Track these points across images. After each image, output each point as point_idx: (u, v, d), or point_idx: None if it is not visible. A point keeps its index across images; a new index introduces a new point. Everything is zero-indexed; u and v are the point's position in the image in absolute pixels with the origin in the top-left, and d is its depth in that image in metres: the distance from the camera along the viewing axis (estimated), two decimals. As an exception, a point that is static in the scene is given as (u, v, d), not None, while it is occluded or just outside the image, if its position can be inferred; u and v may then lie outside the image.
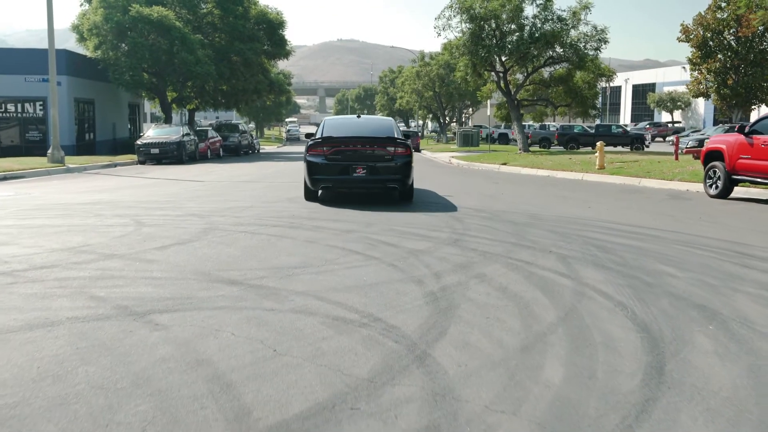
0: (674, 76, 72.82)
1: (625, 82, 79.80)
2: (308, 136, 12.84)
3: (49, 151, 22.31)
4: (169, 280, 5.73)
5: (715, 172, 13.76)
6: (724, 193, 13.57)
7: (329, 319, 4.65)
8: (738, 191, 14.02)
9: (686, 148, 27.18)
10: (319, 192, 12.40)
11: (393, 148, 11.91)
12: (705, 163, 14.22)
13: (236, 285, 5.59)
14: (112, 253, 6.86)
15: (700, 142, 31.65)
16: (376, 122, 14.04)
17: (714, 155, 13.88)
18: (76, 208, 10.76)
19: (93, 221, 9.17)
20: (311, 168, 11.88)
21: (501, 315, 4.86)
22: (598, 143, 21.05)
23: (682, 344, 4.26)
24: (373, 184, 12.10)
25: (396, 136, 12.39)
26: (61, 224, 8.91)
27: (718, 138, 14.44)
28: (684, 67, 71.37)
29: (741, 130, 13.12)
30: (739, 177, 13.28)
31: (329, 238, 7.92)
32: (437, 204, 11.89)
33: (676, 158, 22.68)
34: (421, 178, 19.19)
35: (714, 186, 13.77)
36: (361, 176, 11.70)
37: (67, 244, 7.41)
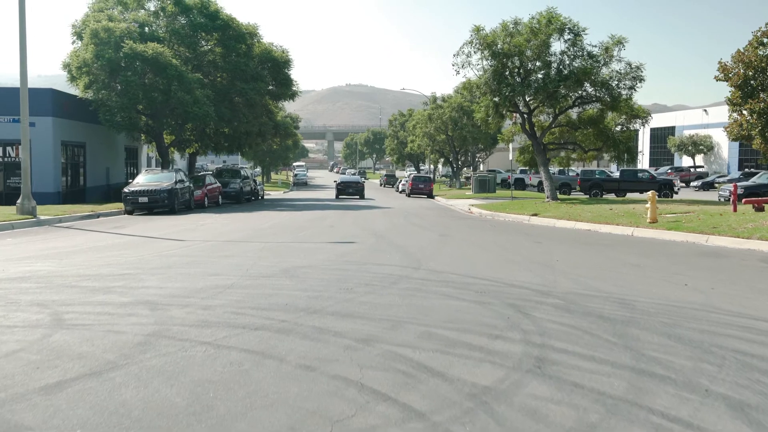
0: (694, 119, 70.28)
1: (643, 125, 77.18)
2: (335, 181, 50.69)
3: (18, 201, 19.50)
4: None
5: (828, 233, 10.81)
6: (843, 261, 10.60)
7: None
8: None
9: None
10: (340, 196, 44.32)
11: (359, 184, 45.39)
12: (811, 222, 11.28)
13: None
14: (-41, 404, 3.96)
15: (747, 190, 28.81)
16: (356, 177, 53.31)
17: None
18: (-9, 289, 7.89)
19: (-7, 317, 6.30)
20: (338, 189, 44.84)
21: None
22: (649, 192, 18.16)
23: None
24: (353, 194, 44.10)
25: (359, 180, 47.07)
26: (-58, 323, 6.03)
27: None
28: (705, 110, 68.83)
29: None
30: None
31: (337, 358, 4.99)
32: (480, 282, 8.84)
33: (735, 209, 19.74)
34: (443, 234, 16.29)
35: (827, 251, 10.81)
36: (350, 191, 44.40)
37: None
